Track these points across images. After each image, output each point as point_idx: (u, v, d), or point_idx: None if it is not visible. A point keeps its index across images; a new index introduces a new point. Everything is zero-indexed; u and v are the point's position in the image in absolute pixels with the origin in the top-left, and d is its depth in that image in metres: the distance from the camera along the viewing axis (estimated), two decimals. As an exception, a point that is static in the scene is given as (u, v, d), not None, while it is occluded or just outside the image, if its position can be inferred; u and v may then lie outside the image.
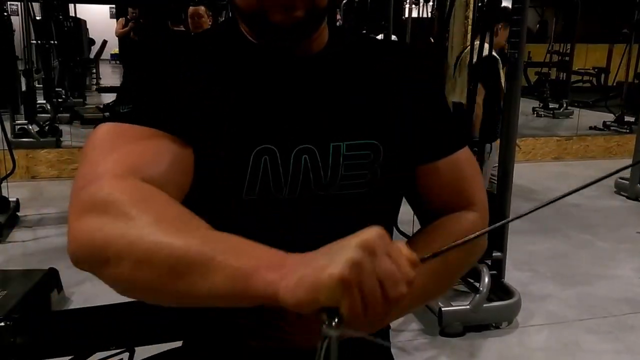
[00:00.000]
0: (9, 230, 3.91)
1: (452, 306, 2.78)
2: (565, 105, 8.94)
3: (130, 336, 1.01)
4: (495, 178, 3.16)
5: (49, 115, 6.39)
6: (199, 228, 0.60)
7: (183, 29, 4.89)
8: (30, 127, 5.84)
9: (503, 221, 0.66)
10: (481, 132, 3.18)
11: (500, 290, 2.94)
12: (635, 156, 5.06)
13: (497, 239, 2.92)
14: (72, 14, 8.05)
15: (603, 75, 11.20)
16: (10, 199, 4.08)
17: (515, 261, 3.56)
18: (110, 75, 12.16)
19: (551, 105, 9.22)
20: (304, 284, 0.49)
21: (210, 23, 4.24)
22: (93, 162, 0.68)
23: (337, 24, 4.91)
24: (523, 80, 3.91)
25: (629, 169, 4.91)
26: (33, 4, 6.61)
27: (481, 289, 2.78)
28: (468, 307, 2.76)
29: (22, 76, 6.36)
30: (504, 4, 3.40)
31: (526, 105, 8.83)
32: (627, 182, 5.09)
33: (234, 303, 0.56)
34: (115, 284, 0.62)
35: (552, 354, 2.71)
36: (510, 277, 3.12)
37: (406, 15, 6.71)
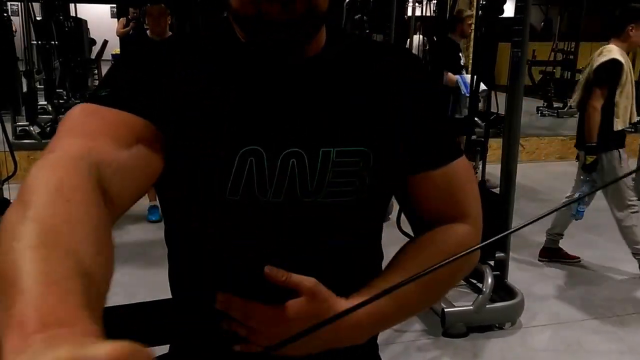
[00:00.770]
0: (10, 231, 3.90)
1: (455, 307, 2.78)
2: (569, 104, 8.90)
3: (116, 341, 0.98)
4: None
5: (51, 116, 6.39)
6: (67, 254, 0.47)
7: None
8: (31, 128, 5.84)
9: (496, 236, 0.63)
10: (600, 138, 3.23)
11: (503, 290, 2.93)
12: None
13: (500, 240, 2.90)
14: (72, 13, 8.05)
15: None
16: (11, 201, 4.06)
17: (519, 262, 3.54)
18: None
19: (555, 105, 9.20)
20: None
21: (169, 22, 4.37)
22: (55, 138, 0.67)
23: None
24: (527, 79, 3.87)
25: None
26: (33, 4, 6.62)
27: (484, 289, 2.78)
28: (471, 307, 2.75)
29: (23, 77, 6.38)
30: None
31: (530, 105, 8.80)
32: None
33: None
34: None
35: (555, 354, 2.70)
36: (514, 277, 3.10)
37: (409, 14, 6.69)
